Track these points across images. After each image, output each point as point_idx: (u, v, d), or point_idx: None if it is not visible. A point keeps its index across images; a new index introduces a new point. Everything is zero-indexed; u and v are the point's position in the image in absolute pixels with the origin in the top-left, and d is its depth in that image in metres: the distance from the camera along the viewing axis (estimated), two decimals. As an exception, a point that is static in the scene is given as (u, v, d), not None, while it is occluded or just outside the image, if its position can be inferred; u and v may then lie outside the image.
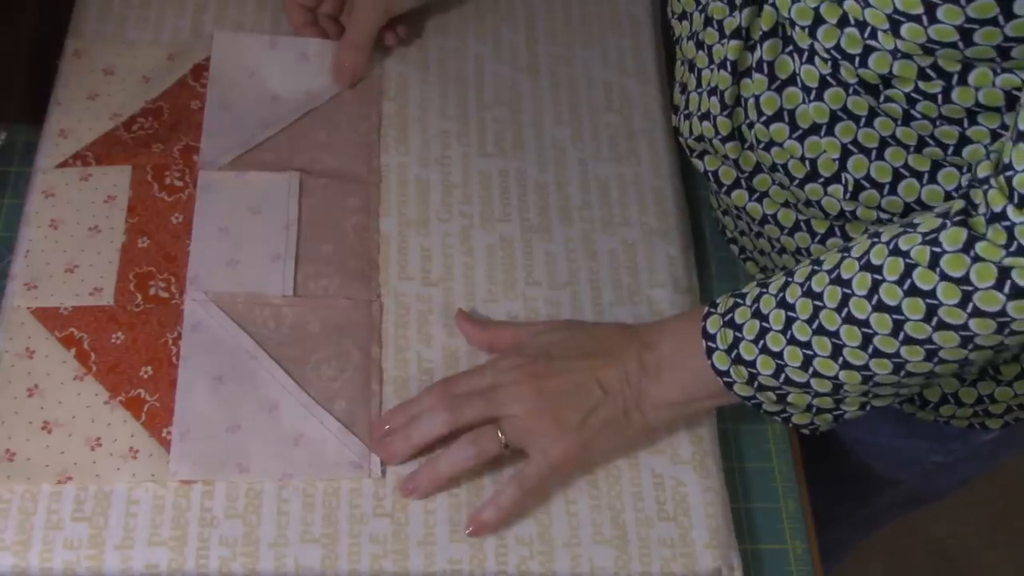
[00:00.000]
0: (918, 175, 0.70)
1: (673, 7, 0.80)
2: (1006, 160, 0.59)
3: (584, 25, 0.96)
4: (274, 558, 0.70)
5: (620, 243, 0.84)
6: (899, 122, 0.68)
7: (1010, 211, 0.58)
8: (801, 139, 0.72)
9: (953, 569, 1.75)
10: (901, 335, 0.63)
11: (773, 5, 0.69)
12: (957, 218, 0.61)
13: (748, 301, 0.70)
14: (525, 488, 0.71)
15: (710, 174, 0.80)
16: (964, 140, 0.67)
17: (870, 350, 0.64)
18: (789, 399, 0.69)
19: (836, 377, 0.66)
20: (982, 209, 0.60)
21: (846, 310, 0.64)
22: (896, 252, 0.63)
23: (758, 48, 0.71)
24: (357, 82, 0.88)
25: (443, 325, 0.79)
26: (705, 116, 0.76)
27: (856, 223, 0.74)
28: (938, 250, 0.61)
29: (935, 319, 0.61)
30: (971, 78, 0.63)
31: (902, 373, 0.65)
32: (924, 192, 0.70)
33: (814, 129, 0.71)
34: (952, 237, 0.60)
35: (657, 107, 0.91)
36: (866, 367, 0.65)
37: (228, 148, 0.84)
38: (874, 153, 0.70)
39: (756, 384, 0.69)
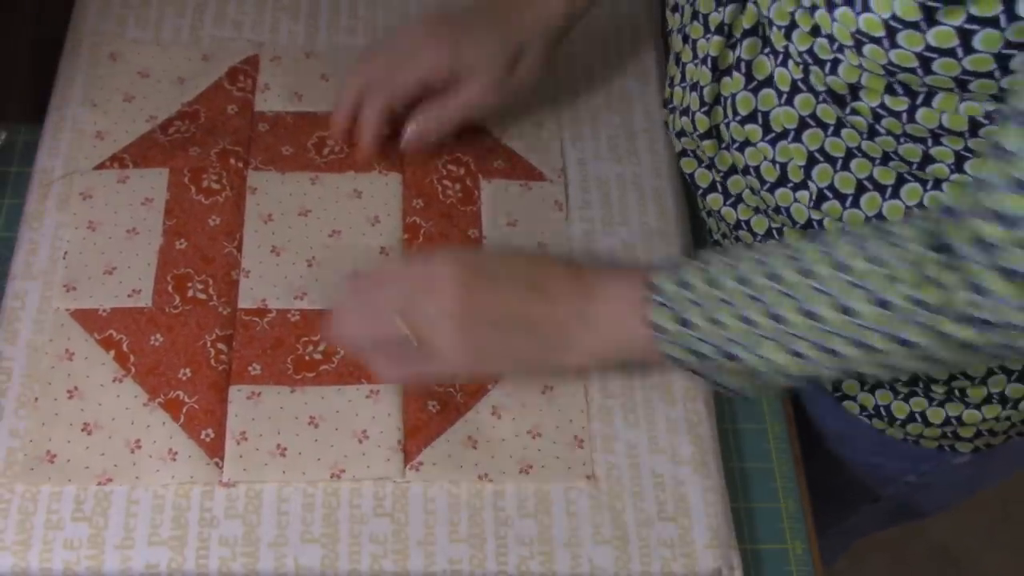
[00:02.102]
0: (881, 189, 0.69)
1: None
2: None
3: (584, 25, 0.96)
4: (274, 558, 0.69)
5: (620, 243, 0.84)
6: (864, 135, 0.68)
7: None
8: (773, 142, 0.72)
9: (954, 571, 1.74)
10: (858, 339, 0.61)
11: (755, 3, 0.69)
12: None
13: (703, 265, 0.67)
14: (417, 374, 0.72)
15: (687, 176, 0.79)
16: (928, 159, 0.66)
17: (823, 347, 0.62)
18: (726, 367, 0.67)
19: (778, 362, 0.64)
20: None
21: (808, 303, 0.61)
22: (874, 260, 0.60)
23: (738, 46, 0.71)
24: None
25: None
26: (685, 111, 0.77)
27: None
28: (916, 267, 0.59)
29: (895, 334, 0.59)
30: (935, 101, 0.62)
31: (850, 371, 0.63)
32: (886, 207, 0.70)
33: (784, 134, 0.71)
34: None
35: (657, 107, 0.91)
36: (816, 361, 0.63)
37: None
38: (840, 163, 0.70)
39: (692, 349, 0.66)
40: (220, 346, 0.76)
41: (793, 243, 0.64)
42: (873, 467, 0.94)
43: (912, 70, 0.60)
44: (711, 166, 0.78)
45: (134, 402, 0.73)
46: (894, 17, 0.57)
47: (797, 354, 0.63)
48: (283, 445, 0.73)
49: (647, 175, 0.88)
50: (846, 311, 0.60)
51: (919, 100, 0.63)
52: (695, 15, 0.74)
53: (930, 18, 0.56)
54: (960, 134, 0.63)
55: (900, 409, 0.83)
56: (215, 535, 0.70)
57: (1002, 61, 0.57)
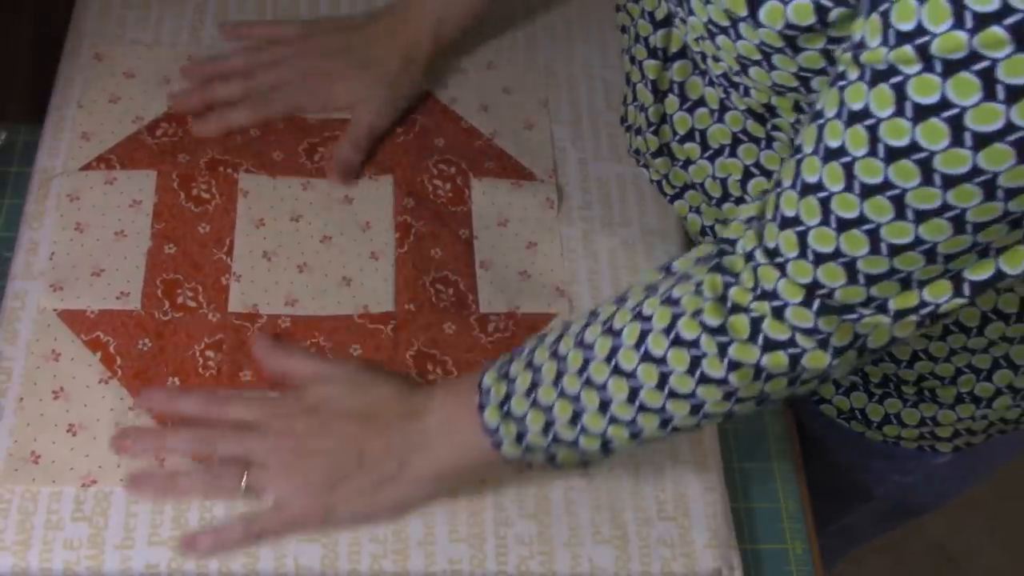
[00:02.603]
0: None
1: (618, 18, 0.81)
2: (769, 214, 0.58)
3: (584, 25, 0.96)
4: (274, 558, 0.69)
5: (620, 243, 0.84)
6: (792, 149, 0.68)
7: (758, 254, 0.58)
8: (712, 159, 0.73)
9: (953, 570, 1.75)
10: (666, 389, 0.61)
11: (678, 28, 0.69)
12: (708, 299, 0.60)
13: (524, 353, 0.67)
14: (252, 533, 0.69)
15: (654, 183, 0.80)
16: None
17: (637, 404, 0.62)
18: (558, 460, 0.67)
19: (604, 433, 0.64)
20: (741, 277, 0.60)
21: (615, 362, 0.62)
22: (669, 302, 0.61)
23: (671, 68, 0.72)
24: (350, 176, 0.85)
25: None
26: (638, 131, 0.78)
27: None
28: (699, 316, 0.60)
29: (698, 371, 0.60)
30: None
31: (669, 428, 0.63)
32: None
33: (721, 150, 0.72)
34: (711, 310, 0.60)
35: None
36: (633, 421, 0.63)
37: None
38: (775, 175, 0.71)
39: (525, 444, 0.66)
40: (209, 353, 0.76)
41: (601, 310, 0.65)
42: (859, 468, 0.94)
43: (796, 89, 0.61)
44: (667, 180, 0.78)
45: (119, 404, 0.73)
46: (761, 44, 0.59)
47: (616, 420, 0.63)
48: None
49: (647, 175, 0.88)
50: (652, 361, 0.61)
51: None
52: (637, 37, 0.75)
53: (794, 44, 0.58)
54: None
55: (875, 411, 0.83)
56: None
57: None
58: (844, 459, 0.92)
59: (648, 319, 0.61)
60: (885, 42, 0.48)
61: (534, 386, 0.65)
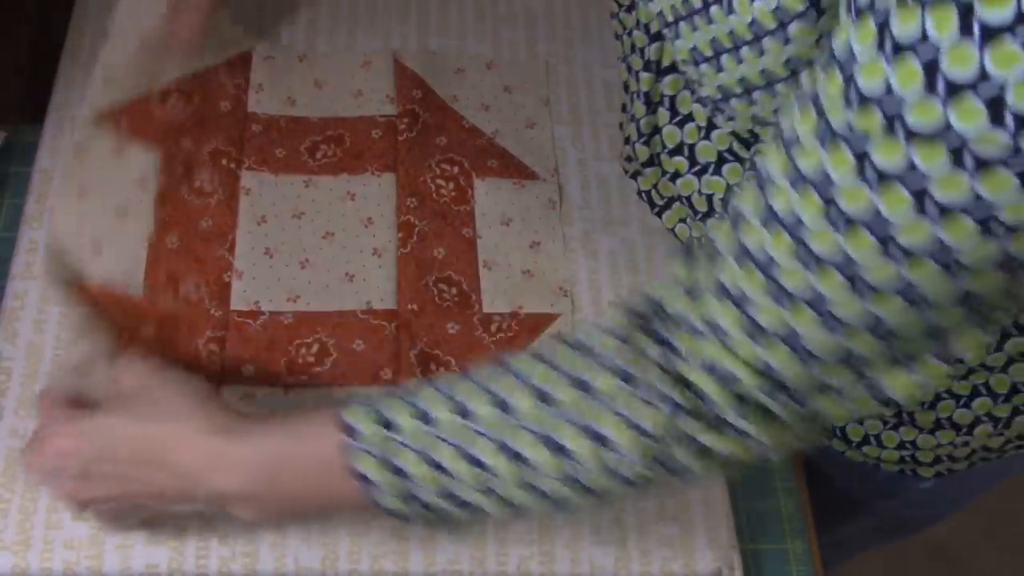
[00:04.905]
0: None
1: (613, 26, 0.80)
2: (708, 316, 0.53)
3: (584, 25, 0.96)
4: (274, 558, 0.69)
5: (620, 243, 0.84)
6: None
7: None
8: (699, 175, 0.73)
9: (952, 570, 1.75)
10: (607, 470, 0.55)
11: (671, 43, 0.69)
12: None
13: (403, 395, 0.59)
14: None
15: (643, 193, 0.80)
16: None
17: (571, 482, 0.56)
18: (453, 516, 0.59)
19: (522, 503, 0.57)
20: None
21: (545, 434, 0.55)
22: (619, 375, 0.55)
23: (662, 82, 0.72)
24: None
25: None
26: (627, 140, 0.78)
27: None
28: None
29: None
30: None
31: (607, 505, 0.60)
32: None
33: (707, 167, 0.72)
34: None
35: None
36: (566, 501, 0.57)
37: None
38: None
39: (416, 503, 0.58)
40: (212, 347, 0.76)
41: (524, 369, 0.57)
42: (843, 489, 0.93)
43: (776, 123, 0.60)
44: (656, 191, 0.78)
45: None
46: (743, 79, 0.58)
47: (545, 496, 0.57)
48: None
49: (636, 186, 0.88)
50: (518, 455, 0.55)
51: None
52: (633, 47, 0.75)
53: (772, 85, 0.57)
54: None
55: (855, 431, 0.82)
56: (215, 535, 0.70)
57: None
58: (829, 480, 0.92)
59: (592, 392, 0.55)
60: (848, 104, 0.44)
61: (424, 437, 0.57)
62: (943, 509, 0.96)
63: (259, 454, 0.60)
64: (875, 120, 0.43)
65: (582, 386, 0.55)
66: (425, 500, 0.58)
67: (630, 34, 0.76)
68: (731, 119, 0.63)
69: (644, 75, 0.73)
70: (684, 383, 0.54)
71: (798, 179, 0.47)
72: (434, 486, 0.57)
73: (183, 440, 0.61)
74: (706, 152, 0.72)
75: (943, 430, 0.78)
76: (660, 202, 0.79)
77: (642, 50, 0.74)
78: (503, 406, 0.56)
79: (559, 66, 0.93)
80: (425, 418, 0.57)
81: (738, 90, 0.60)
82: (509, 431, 0.56)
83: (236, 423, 0.62)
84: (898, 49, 0.41)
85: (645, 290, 0.57)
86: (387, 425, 0.58)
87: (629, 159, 0.79)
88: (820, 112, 0.45)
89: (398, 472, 0.57)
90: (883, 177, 0.43)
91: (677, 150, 0.73)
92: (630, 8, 0.75)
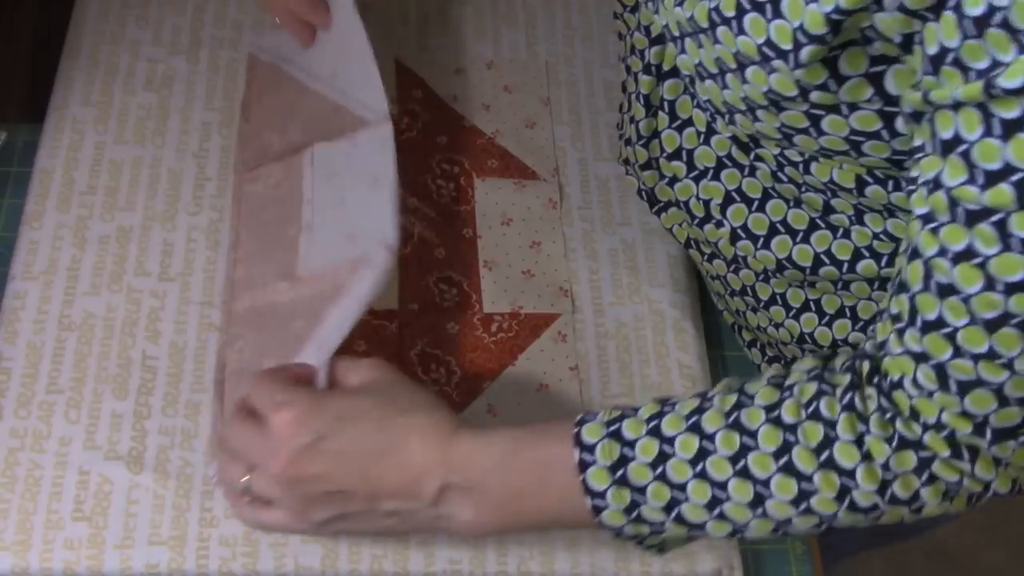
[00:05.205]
0: (792, 232, 0.69)
1: (615, 25, 0.80)
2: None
3: (584, 25, 0.96)
4: (274, 558, 0.69)
5: (620, 243, 0.84)
6: (772, 180, 0.68)
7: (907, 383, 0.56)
8: (697, 180, 0.73)
9: (954, 569, 1.75)
10: (803, 505, 0.59)
11: (672, 47, 0.69)
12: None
13: (638, 414, 0.61)
14: (251, 522, 0.66)
15: (643, 192, 0.80)
16: (829, 208, 0.67)
17: (803, 507, 0.59)
18: (664, 536, 0.62)
19: (745, 525, 0.60)
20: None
21: (784, 459, 0.58)
22: (814, 418, 0.58)
23: (663, 86, 0.72)
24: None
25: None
26: (628, 141, 0.77)
27: (748, 272, 0.74)
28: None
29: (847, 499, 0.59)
30: (822, 157, 0.62)
31: (824, 526, 0.61)
32: (795, 250, 0.70)
33: (706, 172, 0.72)
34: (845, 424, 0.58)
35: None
36: (788, 520, 0.60)
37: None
38: (756, 204, 0.70)
39: (635, 515, 0.60)
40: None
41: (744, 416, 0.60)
42: None
43: (777, 140, 0.61)
44: (652, 193, 0.78)
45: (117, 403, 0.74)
46: (746, 98, 0.59)
47: (767, 516, 0.60)
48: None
49: (636, 184, 0.88)
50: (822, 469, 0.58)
51: (808, 155, 0.63)
52: (633, 49, 0.75)
53: (777, 105, 0.58)
54: (850, 190, 0.63)
55: None
56: (215, 535, 0.70)
57: (853, 143, 0.58)
58: None
59: (793, 429, 0.58)
60: (972, 181, 0.48)
61: (663, 457, 0.59)
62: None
63: (495, 451, 0.62)
64: (1008, 197, 0.47)
65: (824, 421, 0.58)
66: (647, 517, 0.60)
67: (631, 35, 0.76)
68: (732, 122, 0.64)
69: (644, 78, 0.73)
70: (911, 444, 0.57)
71: (952, 256, 0.51)
72: (660, 501, 0.59)
73: (420, 432, 0.62)
74: (705, 157, 0.72)
75: None
76: (658, 203, 0.79)
77: (642, 52, 0.74)
78: (741, 430, 0.59)
79: (559, 66, 0.93)
80: (660, 436, 0.60)
81: (742, 107, 0.60)
82: (748, 454, 0.58)
83: (468, 425, 0.63)
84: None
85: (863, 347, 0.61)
86: (618, 438, 0.60)
87: (628, 161, 0.79)
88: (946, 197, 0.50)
89: (632, 489, 0.59)
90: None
91: (676, 154, 0.73)
92: (634, 9, 0.75)
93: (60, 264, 0.78)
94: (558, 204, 0.85)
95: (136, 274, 0.79)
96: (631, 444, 0.60)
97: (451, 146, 0.87)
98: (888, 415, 0.57)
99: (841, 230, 0.68)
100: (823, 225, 0.68)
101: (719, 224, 0.73)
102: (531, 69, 0.93)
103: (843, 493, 0.58)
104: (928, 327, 0.53)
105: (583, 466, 0.60)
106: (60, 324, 0.76)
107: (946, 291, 0.51)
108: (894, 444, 0.57)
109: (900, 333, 0.55)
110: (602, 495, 0.60)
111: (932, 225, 0.51)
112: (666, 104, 0.73)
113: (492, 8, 0.96)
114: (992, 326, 0.50)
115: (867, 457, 0.57)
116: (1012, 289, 0.49)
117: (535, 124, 0.89)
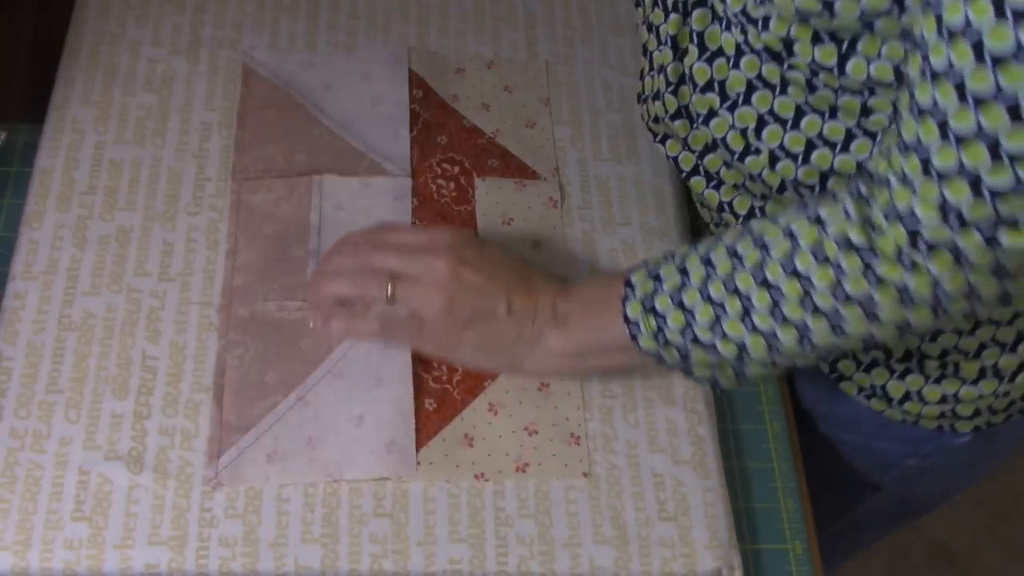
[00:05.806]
0: (831, 144, 0.70)
1: None
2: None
3: (584, 25, 0.96)
4: (274, 558, 0.70)
5: (620, 243, 0.84)
6: (807, 92, 0.69)
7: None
8: (731, 109, 0.73)
9: (953, 569, 1.75)
10: (809, 304, 0.64)
11: None
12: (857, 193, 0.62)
13: (676, 258, 0.71)
14: (383, 333, 0.75)
15: (671, 159, 0.80)
16: (867, 111, 0.67)
17: (778, 316, 0.65)
18: (692, 361, 0.70)
19: (742, 340, 0.67)
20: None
21: (761, 273, 0.65)
22: (816, 221, 0.64)
23: (690, 19, 0.72)
24: None
25: None
26: (656, 96, 0.77)
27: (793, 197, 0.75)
28: (841, 228, 0.62)
29: (840, 291, 0.63)
30: (860, 46, 0.63)
31: (806, 343, 0.65)
32: (836, 161, 0.70)
33: (737, 99, 0.72)
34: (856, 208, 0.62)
35: (657, 107, 0.91)
36: (773, 334, 0.66)
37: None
38: (790, 123, 0.71)
39: (662, 339, 0.70)
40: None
41: (754, 224, 0.68)
42: (873, 452, 0.94)
43: (819, 14, 0.62)
44: (688, 147, 0.78)
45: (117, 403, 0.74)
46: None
47: (756, 330, 0.66)
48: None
49: (647, 175, 0.88)
50: (796, 276, 0.64)
51: (844, 48, 0.63)
52: (655, 2, 0.76)
53: None
54: (889, 85, 0.64)
55: (896, 388, 0.83)
56: (215, 535, 0.70)
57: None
58: (859, 440, 0.92)
59: (795, 236, 0.64)
60: None
61: (680, 287, 0.68)
62: (968, 474, 0.96)
63: (585, 290, 0.75)
64: None
65: (794, 237, 0.64)
66: (672, 341, 0.69)
67: None
68: (766, 27, 0.65)
69: (672, 17, 0.74)
70: (870, 225, 0.60)
71: (947, 33, 0.53)
72: (678, 325, 0.68)
73: (540, 272, 0.77)
74: (736, 83, 0.72)
75: (986, 379, 0.80)
76: (688, 167, 0.79)
77: (664, 0, 0.74)
78: (733, 254, 0.67)
79: (559, 66, 0.93)
80: (682, 270, 0.69)
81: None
82: (736, 274, 0.67)
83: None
84: None
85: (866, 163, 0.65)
86: (655, 277, 0.70)
87: (656, 119, 0.79)
88: None
89: (656, 315, 0.69)
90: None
91: (708, 86, 0.73)
92: None
93: (60, 264, 0.79)
94: (559, 203, 0.85)
95: (136, 274, 0.79)
96: (659, 279, 0.70)
97: (451, 146, 0.87)
98: (861, 213, 0.61)
99: (881, 134, 0.68)
100: (861, 133, 0.69)
101: (757, 151, 0.73)
102: (531, 69, 0.93)
103: (837, 284, 0.63)
104: (922, 114, 0.55)
105: (624, 300, 0.71)
106: (60, 324, 0.76)
107: (938, 76, 0.54)
108: (872, 230, 0.60)
109: (896, 134, 0.58)
110: (636, 324, 0.70)
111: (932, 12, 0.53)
112: (695, 36, 0.73)
113: (492, 8, 0.96)
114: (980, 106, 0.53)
115: (825, 262, 0.62)
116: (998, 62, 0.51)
117: (535, 124, 0.89)
